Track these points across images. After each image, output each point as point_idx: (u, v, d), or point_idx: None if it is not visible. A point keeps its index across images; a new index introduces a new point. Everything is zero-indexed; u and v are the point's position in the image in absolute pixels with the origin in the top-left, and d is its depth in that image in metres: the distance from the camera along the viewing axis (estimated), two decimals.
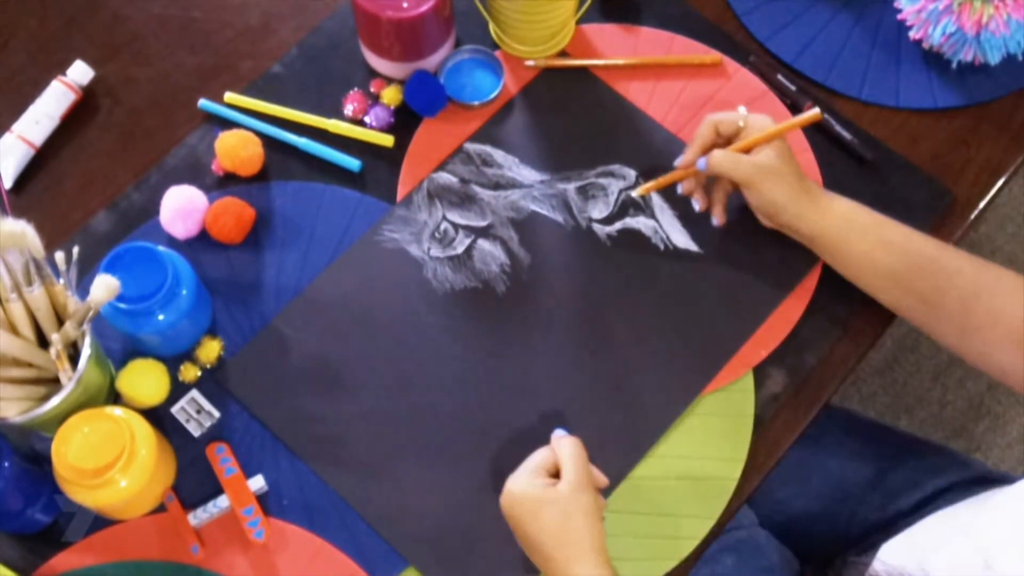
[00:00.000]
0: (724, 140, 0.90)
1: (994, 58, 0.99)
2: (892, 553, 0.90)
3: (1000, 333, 0.80)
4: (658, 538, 0.85)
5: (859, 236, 0.85)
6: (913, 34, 1.02)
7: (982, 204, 0.98)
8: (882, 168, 0.98)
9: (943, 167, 0.99)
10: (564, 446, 0.79)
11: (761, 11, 1.06)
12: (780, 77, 1.01)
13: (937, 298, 0.83)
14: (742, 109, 0.90)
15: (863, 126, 1.00)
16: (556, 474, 0.79)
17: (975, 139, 1.00)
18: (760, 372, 0.91)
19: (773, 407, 0.90)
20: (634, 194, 0.94)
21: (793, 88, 1.01)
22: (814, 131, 0.99)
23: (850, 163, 0.99)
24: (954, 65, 1.02)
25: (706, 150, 0.90)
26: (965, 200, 0.98)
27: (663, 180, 0.93)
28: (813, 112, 0.89)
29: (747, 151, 0.88)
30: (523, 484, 0.78)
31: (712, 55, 1.02)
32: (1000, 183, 0.99)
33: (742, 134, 0.89)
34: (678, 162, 0.92)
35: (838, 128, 0.99)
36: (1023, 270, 1.91)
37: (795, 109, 1.00)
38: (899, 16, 1.03)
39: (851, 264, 0.87)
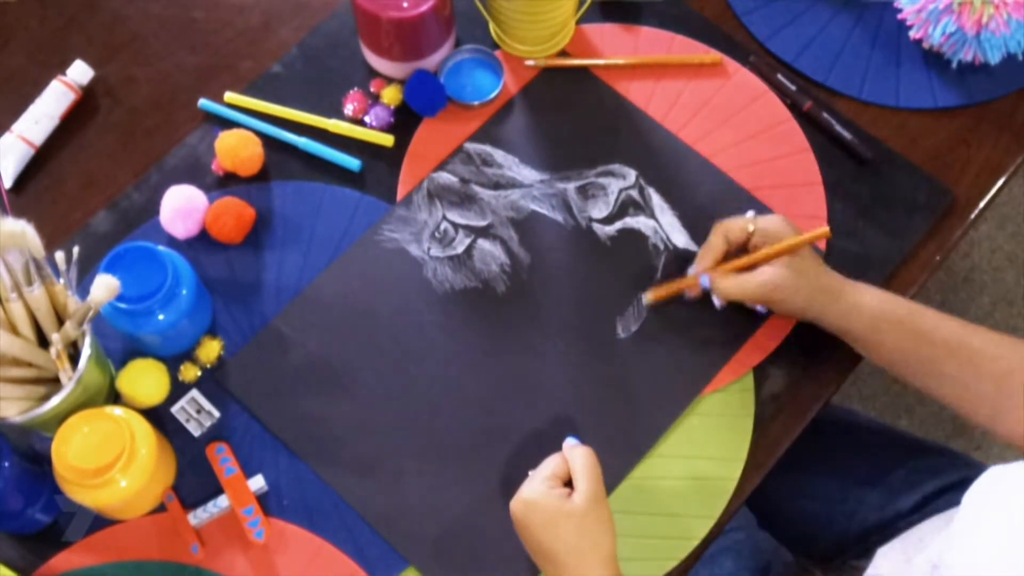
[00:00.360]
0: (735, 248, 0.88)
1: (994, 58, 0.99)
2: (885, 558, 0.90)
3: None
4: (658, 538, 0.85)
5: (887, 331, 0.84)
6: (913, 34, 1.01)
7: (982, 204, 0.98)
8: (882, 168, 0.98)
9: (943, 167, 0.99)
10: (577, 456, 0.79)
11: (761, 11, 1.06)
12: (780, 77, 1.01)
13: (970, 382, 0.82)
14: (750, 214, 0.88)
15: (863, 126, 1.00)
16: (568, 482, 0.79)
17: (975, 139, 1.00)
18: (760, 372, 0.91)
19: (773, 407, 0.90)
20: (644, 301, 0.92)
21: (793, 88, 1.01)
22: (814, 131, 0.99)
23: (850, 163, 0.98)
24: (954, 65, 1.02)
25: (719, 262, 0.88)
26: (965, 200, 0.98)
27: (670, 288, 0.90)
28: (823, 229, 0.86)
29: (746, 266, 0.86)
30: (539, 493, 0.77)
31: (712, 55, 1.02)
32: (1000, 183, 0.99)
33: (753, 239, 0.87)
34: (691, 270, 0.90)
35: (838, 128, 0.99)
36: (1023, 269, 1.91)
37: (795, 109, 1.00)
38: (899, 16, 1.03)
39: (882, 357, 0.86)
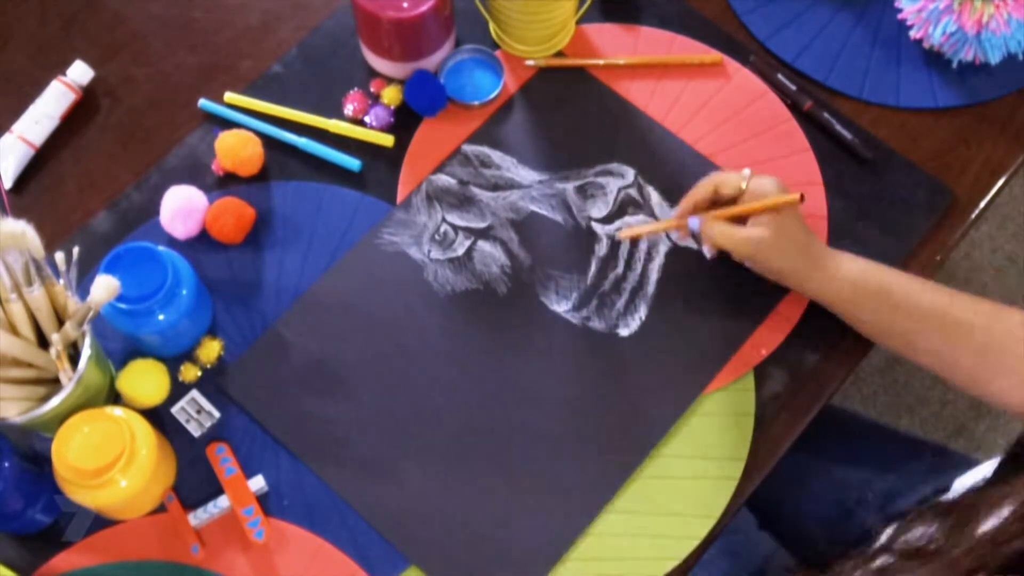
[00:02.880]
0: (721, 200, 0.89)
1: (995, 57, 0.99)
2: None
3: (1016, 381, 0.80)
4: (659, 537, 0.85)
5: (866, 302, 0.84)
6: (914, 33, 1.01)
7: (983, 203, 0.98)
8: (882, 168, 0.98)
9: (944, 166, 0.99)
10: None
11: (762, 11, 1.06)
12: (780, 77, 1.01)
13: (951, 353, 0.82)
14: (747, 171, 0.87)
15: (864, 125, 1.00)
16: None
17: (976, 138, 1.00)
18: (761, 372, 0.91)
19: (774, 406, 0.90)
20: (617, 236, 0.92)
21: (793, 88, 1.00)
22: (815, 130, 0.99)
23: (851, 163, 0.98)
24: (955, 64, 1.02)
25: (700, 207, 0.89)
26: (966, 199, 0.98)
27: (651, 227, 0.91)
28: (795, 195, 0.85)
29: (743, 218, 0.86)
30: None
31: (713, 55, 1.02)
32: (1001, 182, 0.99)
33: (744, 197, 0.87)
34: (673, 215, 0.91)
35: (838, 128, 0.99)
36: None
37: (795, 109, 1.00)
38: (899, 16, 1.03)
39: (863, 328, 0.87)
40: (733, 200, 0.88)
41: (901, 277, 0.85)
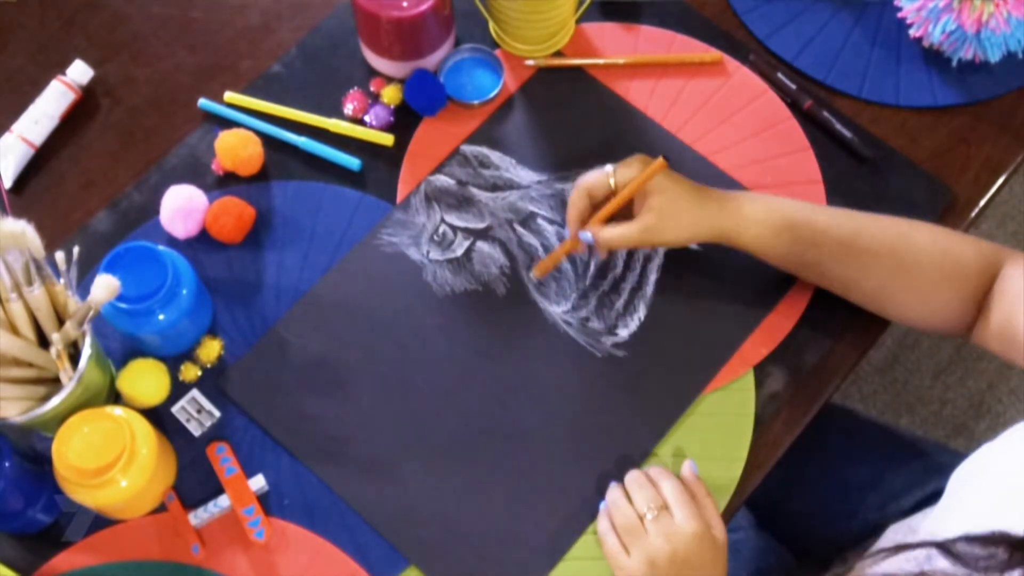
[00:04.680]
0: (600, 202, 0.87)
1: (994, 56, 0.99)
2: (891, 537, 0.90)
3: (916, 296, 0.84)
4: None
5: (777, 238, 0.85)
6: (913, 32, 1.01)
7: (982, 202, 0.98)
8: (882, 166, 0.98)
9: (943, 165, 0.99)
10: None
11: (761, 10, 1.06)
12: (780, 75, 1.01)
13: (857, 277, 0.85)
14: (608, 167, 0.86)
15: (863, 124, 1.00)
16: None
17: (975, 137, 1.00)
18: (760, 371, 0.91)
19: (773, 406, 0.90)
20: (532, 276, 0.91)
21: (793, 86, 1.00)
22: (814, 129, 0.99)
23: (850, 161, 0.98)
24: (954, 63, 1.02)
25: (584, 217, 0.87)
26: (966, 198, 0.98)
27: (554, 257, 0.90)
28: (659, 161, 0.84)
29: (621, 209, 0.85)
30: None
31: (713, 54, 1.02)
32: (1000, 181, 0.99)
33: (616, 191, 0.86)
34: (566, 234, 0.89)
35: (838, 126, 0.99)
36: None
37: (795, 107, 1.00)
38: (899, 14, 1.03)
39: (778, 263, 0.88)
40: (608, 199, 0.87)
41: (811, 206, 0.86)
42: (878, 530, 0.98)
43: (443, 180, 0.97)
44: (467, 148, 0.99)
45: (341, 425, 0.88)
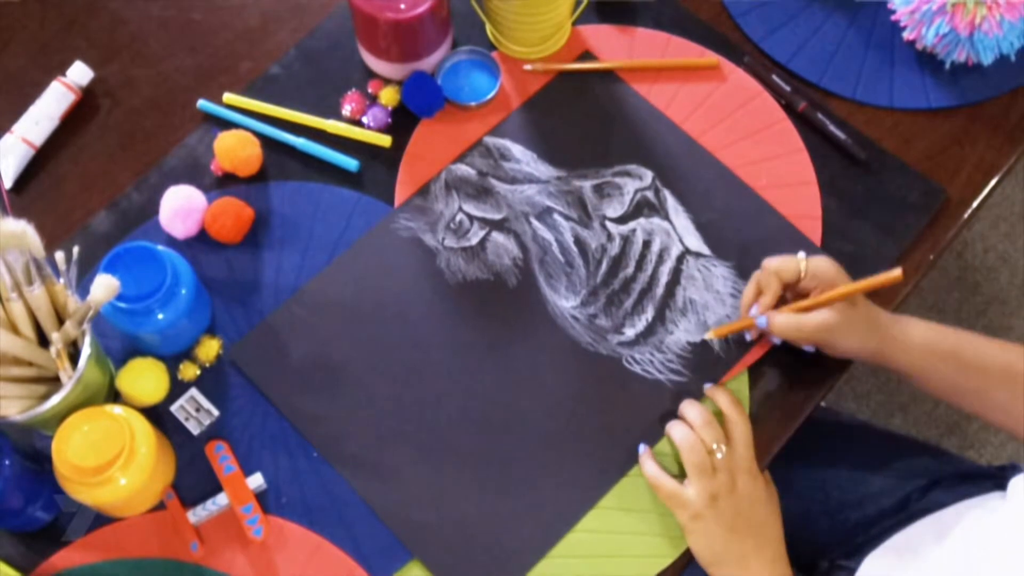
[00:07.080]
0: (788, 287, 0.88)
1: (987, 59, 1.00)
2: (875, 565, 0.90)
3: None
4: (653, 535, 0.86)
5: (936, 364, 0.85)
6: (907, 35, 1.02)
7: (975, 203, 0.99)
8: (876, 168, 0.99)
9: (937, 167, 1.00)
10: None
11: (756, 12, 1.07)
12: (775, 78, 1.02)
13: (1016, 408, 0.84)
14: (801, 255, 0.87)
15: (857, 126, 1.01)
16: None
17: (968, 139, 1.01)
18: (755, 371, 0.91)
19: (768, 405, 0.90)
20: (705, 337, 0.91)
21: (788, 89, 1.01)
22: (809, 131, 1.00)
23: (844, 163, 0.99)
24: (947, 66, 1.03)
25: (777, 301, 0.88)
26: (959, 199, 0.99)
27: (731, 328, 0.90)
28: (895, 273, 0.82)
29: (809, 308, 0.86)
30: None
31: (709, 58, 1.03)
32: (993, 183, 1.00)
33: (803, 280, 0.86)
34: (754, 311, 0.89)
35: (832, 128, 0.99)
36: (1016, 269, 1.92)
37: (790, 109, 1.01)
38: (893, 17, 1.03)
39: (933, 389, 0.87)
40: (794, 284, 0.88)
41: (966, 335, 0.86)
42: (859, 531, 0.98)
43: (464, 169, 0.98)
44: (490, 140, 0.99)
45: (344, 406, 0.89)
